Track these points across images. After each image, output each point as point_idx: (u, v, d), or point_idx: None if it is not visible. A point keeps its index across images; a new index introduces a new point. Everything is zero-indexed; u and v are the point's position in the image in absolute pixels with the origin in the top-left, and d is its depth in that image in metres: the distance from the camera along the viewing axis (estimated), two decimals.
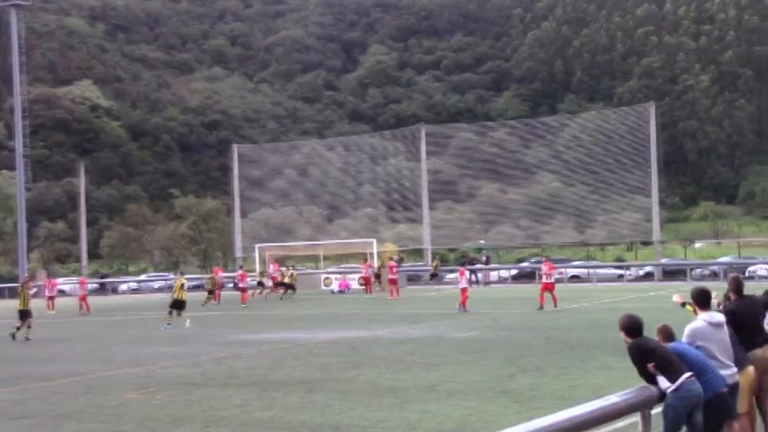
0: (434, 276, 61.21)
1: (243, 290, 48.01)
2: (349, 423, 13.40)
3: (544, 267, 37.21)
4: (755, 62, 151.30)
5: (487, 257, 71.33)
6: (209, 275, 52.37)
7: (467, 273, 38.30)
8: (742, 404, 9.57)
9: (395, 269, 50.58)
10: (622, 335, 8.80)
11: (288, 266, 60.43)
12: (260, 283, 55.46)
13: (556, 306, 34.62)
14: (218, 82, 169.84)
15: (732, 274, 10.56)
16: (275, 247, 70.45)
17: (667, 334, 9.15)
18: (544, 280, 36.21)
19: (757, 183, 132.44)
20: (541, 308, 34.31)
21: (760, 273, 54.47)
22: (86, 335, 32.84)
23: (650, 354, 8.58)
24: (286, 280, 52.73)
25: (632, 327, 8.76)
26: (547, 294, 35.08)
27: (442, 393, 15.75)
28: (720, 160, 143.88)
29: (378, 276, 55.79)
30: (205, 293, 49.84)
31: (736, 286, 10.17)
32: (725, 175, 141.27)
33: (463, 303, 35.12)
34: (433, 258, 68.46)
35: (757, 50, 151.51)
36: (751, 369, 9.68)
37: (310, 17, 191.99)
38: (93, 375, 20.43)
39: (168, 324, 31.68)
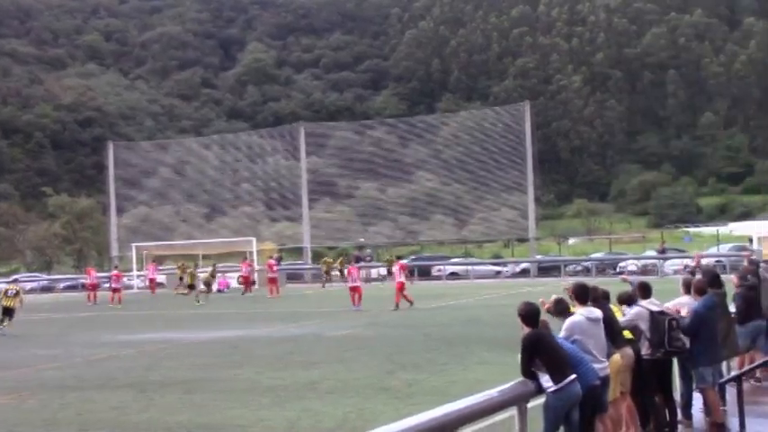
0: (389, 273, 59.45)
1: (116, 290, 47.18)
2: (228, 423, 13.31)
3: (396, 267, 37.74)
4: (625, 64, 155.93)
5: (370, 256, 71.70)
6: (189, 270, 50.71)
7: (356, 271, 38.03)
8: (613, 391, 9.89)
9: (274, 267, 50.40)
10: (519, 321, 8.92)
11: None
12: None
13: (397, 308, 34.09)
14: (93, 78, 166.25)
15: (593, 284, 10.89)
16: (152, 247, 69.29)
17: (543, 327, 9.36)
18: (397, 279, 36.28)
19: (627, 181, 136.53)
20: (411, 304, 34.36)
21: (630, 268, 56.11)
22: None
23: (544, 348, 8.69)
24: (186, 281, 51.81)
25: (529, 314, 8.86)
26: (422, 293, 35.21)
27: (321, 391, 15.77)
28: (592, 159, 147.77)
29: (341, 272, 54.76)
30: (185, 289, 48.63)
31: (595, 295, 10.49)
32: (597, 173, 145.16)
33: (358, 300, 35.20)
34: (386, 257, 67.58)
35: (626, 52, 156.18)
36: (617, 356, 9.97)
37: (187, 13, 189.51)
38: None
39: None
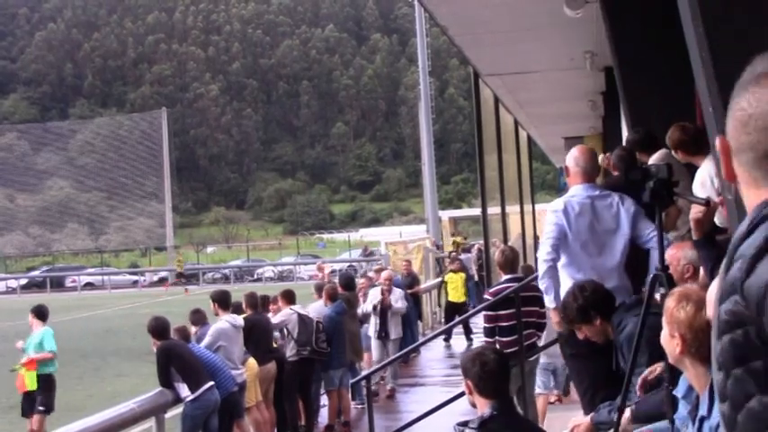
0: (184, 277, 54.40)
1: None
2: None
3: None
4: (261, 74, 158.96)
5: None
6: None
7: None
8: (250, 397, 10.25)
9: None
10: (150, 337, 9.02)
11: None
12: None
13: None
14: None
15: (247, 292, 11.32)
16: None
17: (184, 335, 9.55)
18: None
19: (264, 189, 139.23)
20: None
21: (267, 275, 57.46)
22: None
23: (176, 358, 8.81)
24: None
25: (157, 329, 8.99)
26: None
27: None
28: (230, 167, 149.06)
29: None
30: None
31: (252, 302, 10.90)
32: (234, 181, 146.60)
33: None
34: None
35: (262, 63, 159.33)
36: (254, 362, 10.36)
37: None
38: None
39: None
